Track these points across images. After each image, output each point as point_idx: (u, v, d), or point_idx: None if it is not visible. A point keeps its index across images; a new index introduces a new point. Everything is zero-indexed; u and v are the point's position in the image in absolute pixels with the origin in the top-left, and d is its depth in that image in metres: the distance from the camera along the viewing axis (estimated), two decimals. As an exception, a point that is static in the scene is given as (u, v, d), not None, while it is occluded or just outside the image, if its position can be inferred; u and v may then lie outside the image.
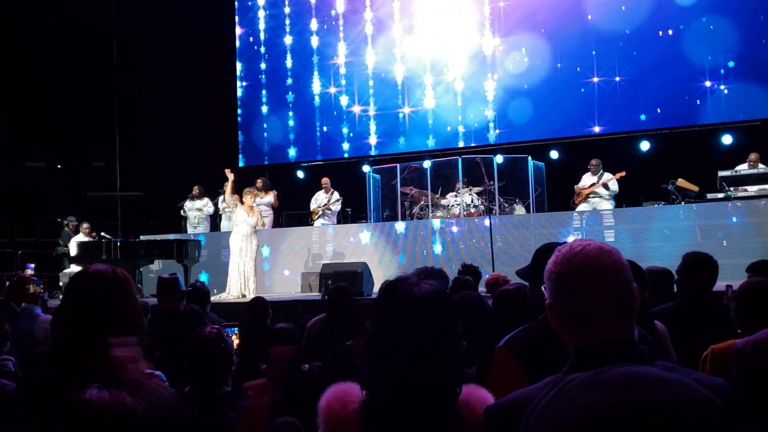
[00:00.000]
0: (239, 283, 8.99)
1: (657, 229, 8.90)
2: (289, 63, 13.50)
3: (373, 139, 12.80)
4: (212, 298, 6.26)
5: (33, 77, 13.98)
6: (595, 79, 11.30)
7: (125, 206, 12.78)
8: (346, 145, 13.02)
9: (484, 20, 12.07)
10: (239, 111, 13.87)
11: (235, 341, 2.90)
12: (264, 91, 13.69)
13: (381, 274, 9.06)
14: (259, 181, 11.18)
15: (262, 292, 9.09)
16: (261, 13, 13.75)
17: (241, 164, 13.75)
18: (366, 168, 11.85)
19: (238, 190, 9.38)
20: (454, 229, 9.67)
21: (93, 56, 13.31)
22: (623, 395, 0.83)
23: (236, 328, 3.02)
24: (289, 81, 13.48)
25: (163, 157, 13.83)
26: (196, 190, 11.64)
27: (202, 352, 2.63)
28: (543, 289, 1.44)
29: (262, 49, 13.73)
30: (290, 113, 13.45)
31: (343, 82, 13.02)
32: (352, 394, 1.61)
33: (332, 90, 13.13)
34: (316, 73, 13.26)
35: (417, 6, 12.53)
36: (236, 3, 14.01)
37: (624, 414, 0.79)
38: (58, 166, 15.35)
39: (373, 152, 12.80)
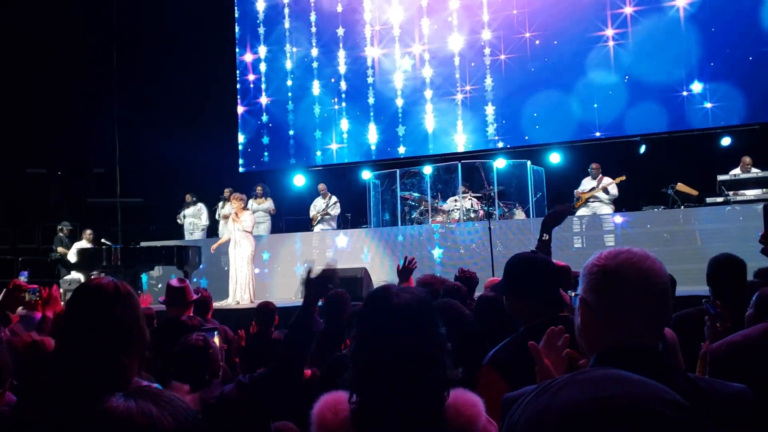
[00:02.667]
0: (234, 290, 9.00)
1: (657, 233, 8.90)
2: (288, 65, 13.53)
3: (373, 144, 12.82)
4: (214, 305, 6.25)
5: (33, 83, 14.01)
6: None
7: (126, 212, 12.79)
8: (346, 151, 13.03)
9: (483, 25, 12.10)
10: (239, 117, 13.89)
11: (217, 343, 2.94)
12: (264, 95, 13.71)
13: (380, 279, 9.05)
14: (259, 188, 11.23)
15: (261, 298, 9.09)
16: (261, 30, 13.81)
17: (241, 170, 13.77)
18: (366, 173, 11.87)
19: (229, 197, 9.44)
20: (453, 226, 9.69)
21: (93, 62, 13.34)
22: (597, 391, 0.85)
23: (216, 331, 3.05)
24: (290, 83, 13.51)
25: (164, 163, 13.85)
26: (188, 197, 11.70)
27: (189, 359, 2.66)
28: (577, 292, 1.41)
29: (262, 57, 13.76)
30: (290, 117, 13.47)
31: (344, 85, 13.04)
32: (344, 402, 1.64)
33: (334, 101, 13.17)
34: (316, 82, 13.29)
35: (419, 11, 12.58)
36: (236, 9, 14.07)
37: (596, 407, 0.82)
38: (59, 173, 15.36)
39: (373, 157, 12.82)
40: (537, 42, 11.71)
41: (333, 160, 13.11)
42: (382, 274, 9.47)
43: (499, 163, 10.63)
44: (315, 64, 13.28)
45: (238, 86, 13.96)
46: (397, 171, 10.97)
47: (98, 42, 12.99)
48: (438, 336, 1.64)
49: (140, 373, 2.00)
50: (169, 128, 13.79)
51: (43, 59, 14.00)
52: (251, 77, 13.89)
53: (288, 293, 10.13)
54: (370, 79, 12.85)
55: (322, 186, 11.27)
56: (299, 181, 13.04)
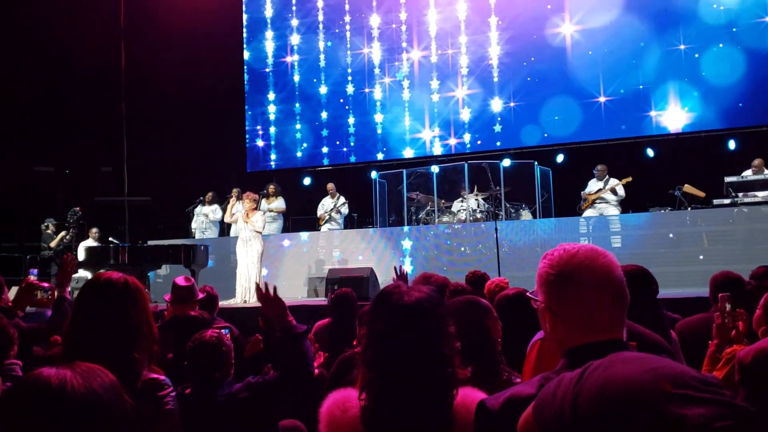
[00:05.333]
0: (242, 289, 9.03)
1: (663, 234, 8.89)
2: (296, 77, 13.55)
3: (378, 144, 12.83)
4: (220, 304, 6.28)
5: (41, 82, 14.08)
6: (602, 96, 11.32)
7: (133, 211, 12.85)
8: (352, 151, 13.03)
9: (489, 28, 12.09)
10: (247, 116, 13.91)
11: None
12: (272, 95, 13.74)
13: (387, 279, 9.07)
14: (271, 187, 11.28)
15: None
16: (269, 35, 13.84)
17: (248, 169, 13.80)
18: (373, 173, 11.87)
19: (240, 196, 9.46)
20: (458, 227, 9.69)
21: (101, 61, 13.40)
22: (647, 365, 1.01)
23: (227, 329, 3.08)
24: (297, 84, 13.52)
25: (171, 162, 13.89)
26: (209, 195, 11.71)
27: (203, 355, 2.68)
28: (529, 294, 1.46)
29: (270, 61, 13.79)
30: (297, 118, 13.49)
31: (351, 89, 13.06)
32: (352, 400, 1.66)
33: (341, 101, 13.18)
34: (323, 87, 13.31)
35: (426, 14, 12.58)
36: (245, 16, 14.10)
37: (653, 375, 0.99)
38: (66, 171, 15.43)
39: (379, 157, 12.81)
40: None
41: (340, 160, 13.11)
42: (388, 274, 9.49)
43: (506, 164, 10.63)
44: (322, 63, 13.30)
45: (246, 87, 13.98)
46: (404, 171, 10.98)
47: (107, 40, 13.05)
48: (448, 334, 1.65)
49: (151, 368, 2.03)
50: (177, 127, 13.84)
51: (52, 58, 14.06)
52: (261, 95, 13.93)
53: (295, 293, 10.15)
54: (377, 89, 12.88)
55: (330, 186, 11.29)
56: (306, 180, 13.08)
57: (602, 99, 11.28)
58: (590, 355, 1.26)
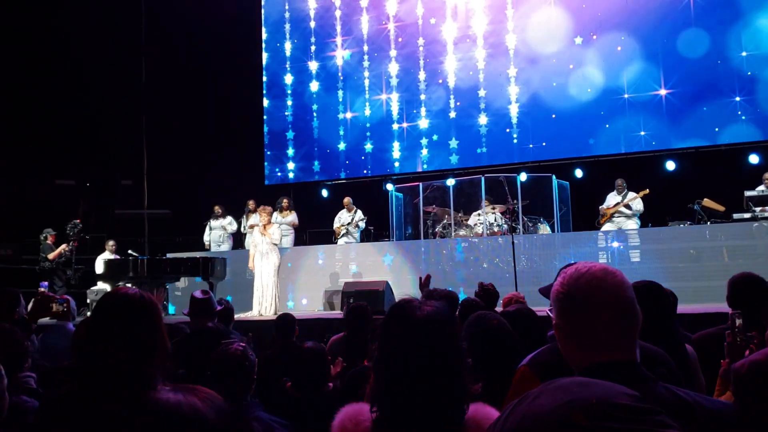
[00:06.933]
0: (259, 302, 9.06)
1: (682, 249, 8.79)
2: (314, 87, 13.63)
3: (396, 156, 12.84)
4: (235, 316, 6.31)
5: (62, 96, 14.30)
6: (626, 95, 11.24)
7: (153, 224, 12.96)
8: (369, 164, 13.06)
9: (508, 44, 12.10)
10: (265, 129, 14.01)
11: None
12: (289, 109, 13.83)
13: (402, 292, 9.04)
14: (285, 200, 11.33)
15: (284, 310, 9.12)
16: (287, 26, 13.96)
17: (266, 182, 13.88)
18: (389, 186, 11.88)
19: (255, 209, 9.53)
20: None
21: (122, 75, 13.60)
22: (568, 395, 0.97)
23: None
24: (314, 100, 13.60)
25: (191, 175, 14.03)
26: (217, 209, 11.80)
27: (226, 368, 2.68)
28: (548, 311, 1.46)
29: (288, 78, 13.91)
30: (315, 132, 13.55)
31: (367, 97, 13.11)
32: (365, 413, 1.66)
33: (357, 113, 13.23)
34: (340, 93, 13.38)
35: (443, 28, 12.63)
36: (263, 29, 14.24)
37: (569, 407, 0.93)
38: (87, 184, 15.62)
39: (396, 170, 12.81)
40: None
41: (357, 173, 13.15)
42: (404, 287, 9.46)
43: (523, 177, 10.58)
44: (341, 76, 13.38)
45: (264, 94, 14.09)
46: (420, 184, 10.97)
47: (127, 55, 13.25)
48: (459, 349, 1.65)
49: (164, 383, 2.04)
50: (196, 140, 13.98)
51: (73, 72, 14.29)
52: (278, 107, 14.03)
53: (310, 306, 10.16)
54: (394, 100, 12.92)
55: (347, 199, 11.31)
56: (324, 193, 13.12)
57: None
58: (601, 376, 1.26)
